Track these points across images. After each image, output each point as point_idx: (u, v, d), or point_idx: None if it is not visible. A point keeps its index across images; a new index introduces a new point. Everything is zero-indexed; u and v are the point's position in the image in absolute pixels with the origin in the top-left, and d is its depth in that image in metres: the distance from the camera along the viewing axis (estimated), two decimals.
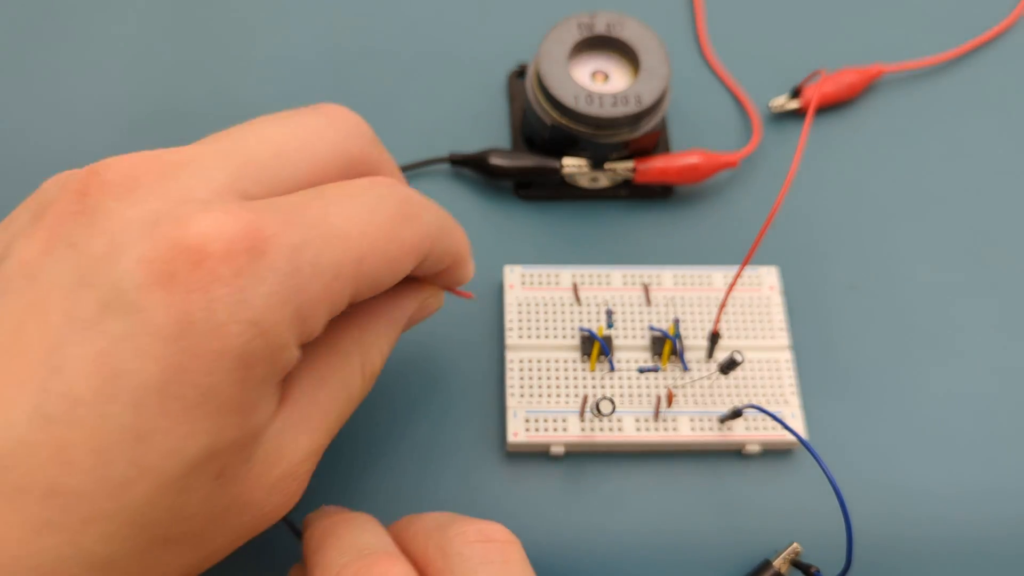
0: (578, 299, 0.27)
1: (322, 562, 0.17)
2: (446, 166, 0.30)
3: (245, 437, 0.16)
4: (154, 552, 0.15)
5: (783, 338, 0.27)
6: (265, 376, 0.15)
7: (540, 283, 0.27)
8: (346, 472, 0.25)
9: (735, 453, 0.26)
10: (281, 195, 0.17)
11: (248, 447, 0.16)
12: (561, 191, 0.30)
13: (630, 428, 0.25)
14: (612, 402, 0.23)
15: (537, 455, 0.25)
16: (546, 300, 0.27)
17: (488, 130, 0.31)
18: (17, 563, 0.14)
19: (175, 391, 0.14)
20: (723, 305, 0.25)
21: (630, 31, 0.28)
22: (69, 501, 0.14)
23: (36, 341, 0.14)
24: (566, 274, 0.27)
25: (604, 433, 0.25)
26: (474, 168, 0.29)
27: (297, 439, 0.17)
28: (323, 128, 0.18)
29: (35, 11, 0.32)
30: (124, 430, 0.14)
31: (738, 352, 0.23)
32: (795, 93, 0.31)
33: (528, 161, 0.29)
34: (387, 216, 0.17)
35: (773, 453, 0.26)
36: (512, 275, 0.27)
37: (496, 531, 0.17)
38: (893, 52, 0.33)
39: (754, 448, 0.25)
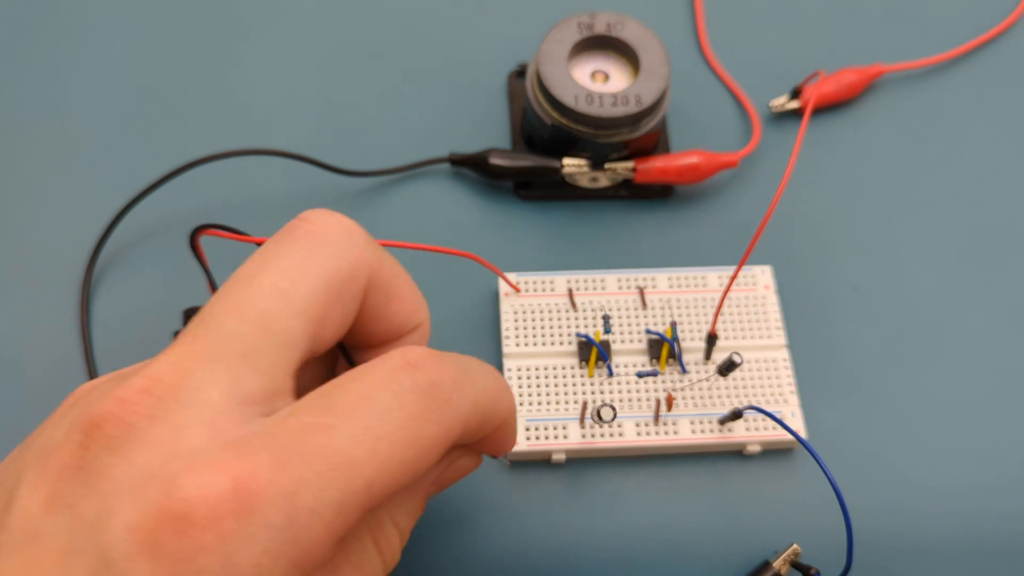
0: (574, 304, 0.27)
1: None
2: (446, 166, 0.30)
3: None
4: None
5: (780, 337, 0.27)
6: None
7: (535, 289, 0.27)
8: None
9: (735, 454, 0.26)
10: (287, 375, 0.16)
11: None
12: (561, 191, 0.30)
13: (631, 433, 0.25)
14: (613, 408, 0.23)
15: (539, 463, 0.25)
16: (542, 307, 0.27)
17: (488, 130, 0.31)
18: None
19: None
20: (719, 307, 0.25)
21: (630, 31, 0.28)
22: None
23: None
24: (561, 280, 0.27)
25: (605, 439, 0.25)
26: (474, 168, 0.29)
27: None
28: (307, 260, 0.17)
29: (35, 10, 0.32)
30: None
31: (737, 353, 0.23)
32: (795, 93, 0.31)
33: (528, 161, 0.29)
34: (405, 416, 0.16)
35: (773, 453, 0.26)
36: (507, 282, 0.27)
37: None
38: (893, 52, 0.33)
39: (755, 448, 0.25)
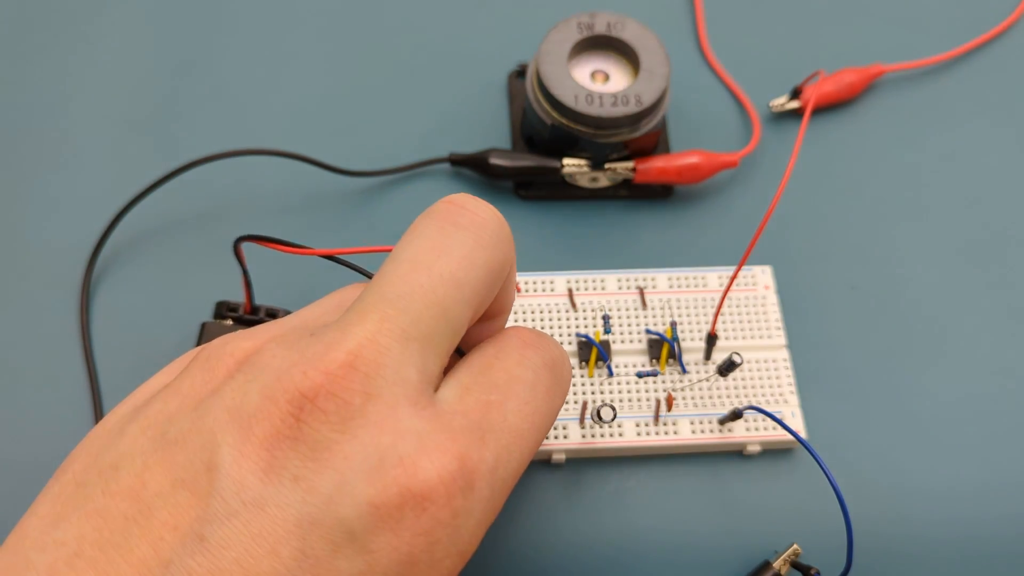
0: (574, 305, 0.27)
1: None
2: (446, 166, 0.30)
3: None
4: None
5: (779, 337, 0.27)
6: None
7: (535, 289, 0.27)
8: None
9: (735, 454, 0.26)
10: (449, 356, 0.17)
11: None
12: (561, 191, 0.30)
13: (631, 433, 0.25)
14: (613, 409, 0.23)
15: (539, 463, 0.25)
16: (542, 307, 0.27)
17: (488, 130, 0.31)
18: None
19: None
20: (719, 307, 0.25)
21: (630, 31, 0.28)
22: None
23: (266, 573, 0.15)
24: (561, 280, 0.27)
25: (605, 439, 0.25)
26: (474, 168, 0.29)
27: None
28: (475, 252, 0.18)
29: (34, 11, 0.32)
30: None
31: (737, 354, 0.23)
32: (795, 93, 0.31)
33: (528, 161, 0.29)
34: (545, 391, 0.18)
35: (773, 453, 0.26)
36: None
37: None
38: (893, 52, 0.33)
39: (755, 448, 0.25)
